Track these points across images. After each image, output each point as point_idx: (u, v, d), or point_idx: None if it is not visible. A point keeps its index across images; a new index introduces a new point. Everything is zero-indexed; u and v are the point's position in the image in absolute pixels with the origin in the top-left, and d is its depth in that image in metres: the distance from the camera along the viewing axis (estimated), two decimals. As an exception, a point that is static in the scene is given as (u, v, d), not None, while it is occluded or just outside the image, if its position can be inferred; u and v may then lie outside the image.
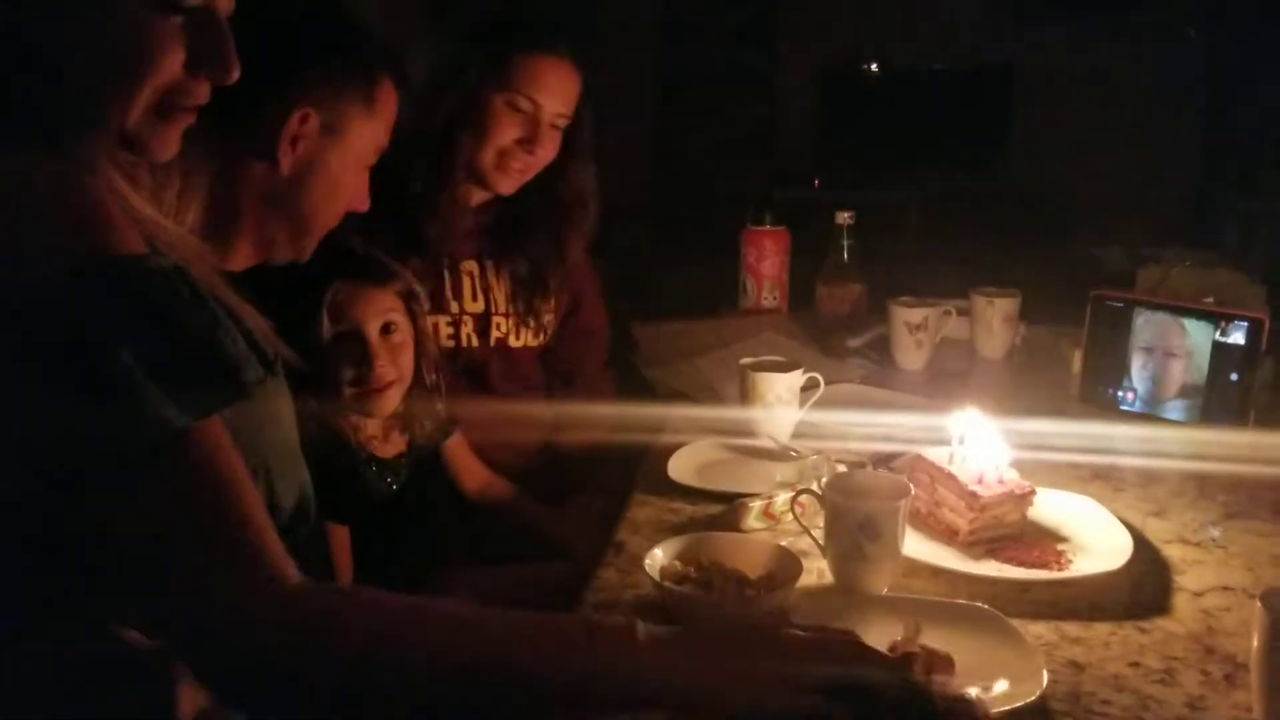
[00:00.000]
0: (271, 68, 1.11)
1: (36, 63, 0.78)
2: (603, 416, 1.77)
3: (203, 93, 0.85)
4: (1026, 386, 1.87)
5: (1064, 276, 2.57)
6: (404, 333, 1.44)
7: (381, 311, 1.41)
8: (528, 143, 1.61)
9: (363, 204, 1.23)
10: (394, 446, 1.48)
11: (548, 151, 1.64)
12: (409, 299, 1.46)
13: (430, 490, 1.54)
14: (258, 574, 0.77)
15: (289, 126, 1.12)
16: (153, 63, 0.80)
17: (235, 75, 0.85)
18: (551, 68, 1.61)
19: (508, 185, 1.66)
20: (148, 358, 0.73)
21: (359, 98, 1.17)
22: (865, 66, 5.98)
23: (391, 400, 1.44)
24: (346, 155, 1.18)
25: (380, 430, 1.47)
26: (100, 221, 0.77)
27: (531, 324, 1.76)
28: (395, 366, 1.42)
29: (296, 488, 1.04)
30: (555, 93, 1.61)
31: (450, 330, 1.68)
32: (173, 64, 0.81)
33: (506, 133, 1.61)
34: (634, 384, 1.92)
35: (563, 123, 1.65)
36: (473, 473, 1.63)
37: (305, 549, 1.02)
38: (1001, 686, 0.93)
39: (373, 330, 1.40)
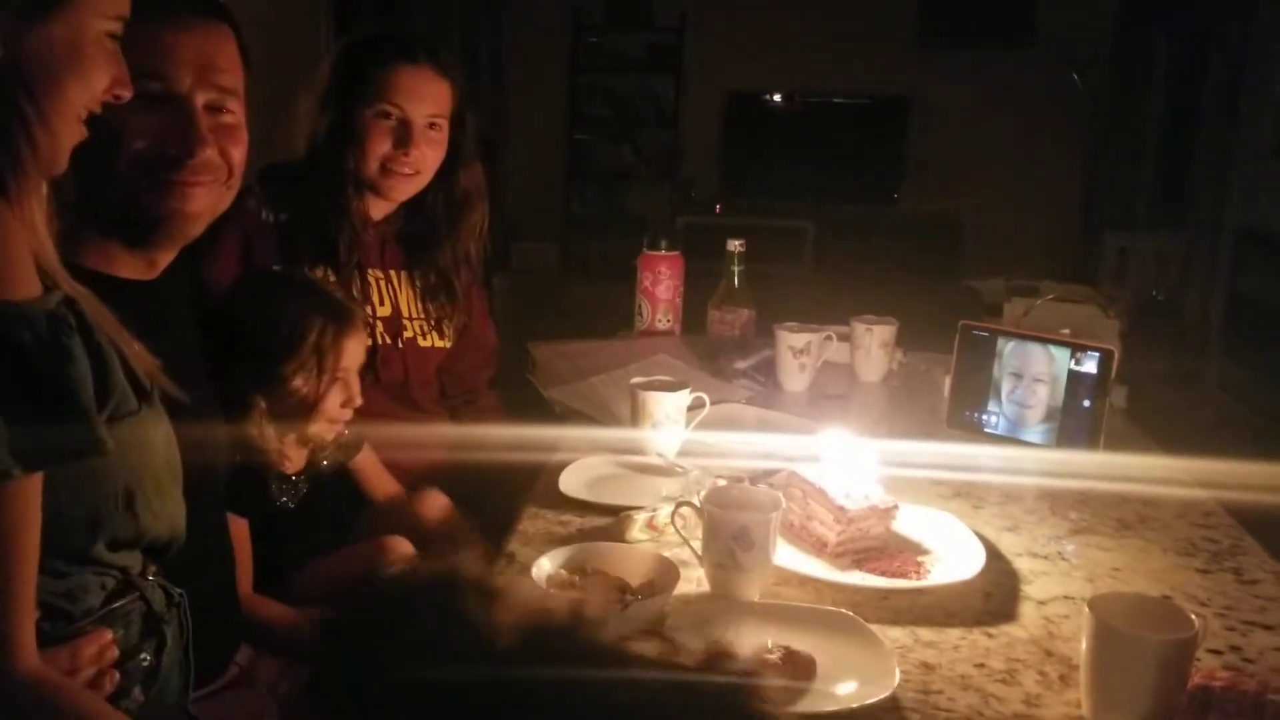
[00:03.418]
0: None
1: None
2: (500, 436, 1.82)
3: (96, 106, 0.91)
4: (901, 409, 1.95)
5: (946, 306, 2.71)
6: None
7: (362, 354, 1.49)
8: (403, 145, 1.69)
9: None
10: (293, 464, 1.51)
11: (424, 152, 1.71)
12: None
13: (326, 505, 1.56)
14: None
15: None
16: (96, 76, 0.88)
17: (130, 93, 0.92)
18: (410, 74, 1.70)
19: (400, 191, 1.74)
20: None
21: None
22: (769, 96, 6.13)
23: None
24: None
25: (285, 444, 1.48)
26: None
27: (439, 327, 1.83)
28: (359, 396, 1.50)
29: (167, 512, 1.05)
30: (417, 96, 1.70)
31: (366, 329, 1.74)
32: (104, 81, 0.89)
33: (382, 141, 1.69)
34: (535, 403, 1.96)
35: (439, 125, 1.72)
36: (383, 484, 1.67)
37: (181, 558, 1.06)
38: (856, 685, 1.01)
39: (354, 373, 1.48)
